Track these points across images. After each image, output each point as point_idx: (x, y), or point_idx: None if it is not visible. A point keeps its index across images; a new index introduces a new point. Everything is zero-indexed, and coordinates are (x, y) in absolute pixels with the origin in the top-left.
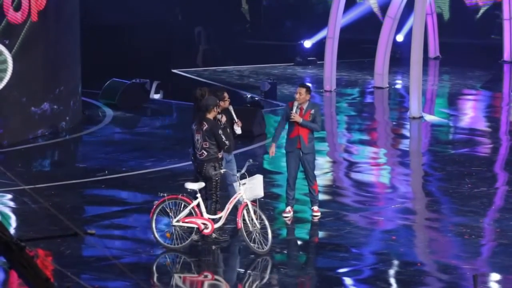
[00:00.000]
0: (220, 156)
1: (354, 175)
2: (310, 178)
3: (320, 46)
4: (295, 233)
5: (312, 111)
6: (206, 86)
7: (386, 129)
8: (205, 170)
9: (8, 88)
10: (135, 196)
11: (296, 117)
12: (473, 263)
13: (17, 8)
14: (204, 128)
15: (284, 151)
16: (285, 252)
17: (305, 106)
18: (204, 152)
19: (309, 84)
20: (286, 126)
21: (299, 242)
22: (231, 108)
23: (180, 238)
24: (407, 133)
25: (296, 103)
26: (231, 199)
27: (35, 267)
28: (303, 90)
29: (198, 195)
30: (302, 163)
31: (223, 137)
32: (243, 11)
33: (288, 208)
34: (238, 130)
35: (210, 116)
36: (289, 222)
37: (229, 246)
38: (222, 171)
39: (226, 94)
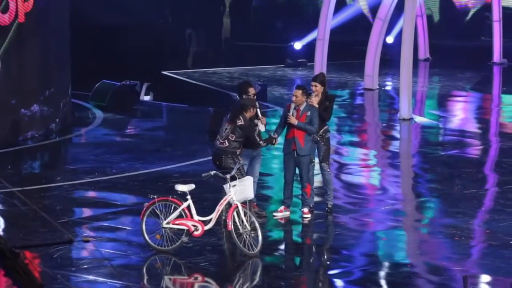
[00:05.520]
0: (238, 152)
1: (344, 177)
2: (303, 180)
3: (310, 48)
4: (285, 234)
5: (309, 113)
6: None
7: (376, 130)
8: (223, 161)
9: None
10: (125, 198)
11: (291, 119)
12: (463, 265)
13: (5, 10)
14: (239, 123)
15: (274, 153)
16: (275, 254)
17: (302, 107)
18: (227, 142)
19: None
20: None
21: (289, 244)
22: (257, 104)
23: (170, 240)
24: (397, 135)
25: (293, 105)
26: (221, 201)
27: (29, 274)
28: (299, 92)
29: (188, 197)
30: (296, 164)
31: (257, 138)
32: (224, 13)
33: (281, 208)
34: (261, 127)
35: (247, 115)
36: (282, 221)
37: (219, 248)
38: (212, 172)
39: (251, 89)
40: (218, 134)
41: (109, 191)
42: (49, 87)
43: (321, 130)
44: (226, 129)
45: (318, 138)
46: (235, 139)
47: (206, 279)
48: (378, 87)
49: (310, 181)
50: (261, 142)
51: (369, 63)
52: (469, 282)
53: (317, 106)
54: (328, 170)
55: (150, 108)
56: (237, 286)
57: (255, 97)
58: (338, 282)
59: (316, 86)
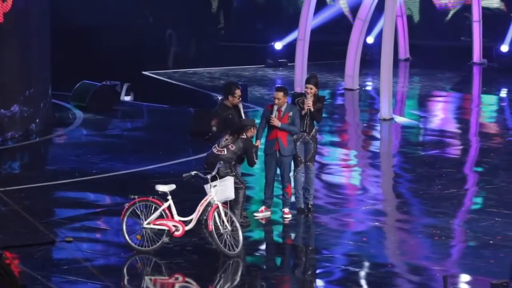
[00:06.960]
0: (233, 163)
1: (325, 177)
2: (284, 180)
3: (290, 48)
4: (266, 235)
5: (291, 114)
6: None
7: (357, 131)
8: (219, 169)
9: None
10: (105, 198)
11: (275, 121)
12: (443, 264)
13: None
14: (242, 138)
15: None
16: (256, 254)
17: (283, 108)
18: (225, 151)
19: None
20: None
21: (270, 244)
22: (241, 105)
23: (151, 240)
24: (378, 135)
25: (275, 106)
26: (202, 201)
27: (11, 275)
28: (280, 94)
29: (169, 197)
30: (278, 165)
31: (255, 156)
32: (213, 12)
33: (262, 208)
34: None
35: (248, 135)
36: (263, 222)
37: (200, 248)
38: (193, 173)
39: (238, 91)
40: (215, 144)
41: (90, 191)
42: (29, 88)
43: (313, 131)
44: (226, 139)
45: (308, 139)
46: (234, 150)
47: (187, 279)
48: (358, 87)
49: (297, 182)
50: (256, 161)
51: (350, 63)
52: (449, 282)
53: (312, 108)
54: (313, 169)
55: (131, 108)
56: (218, 287)
57: (240, 98)
58: (319, 282)
59: (311, 88)
